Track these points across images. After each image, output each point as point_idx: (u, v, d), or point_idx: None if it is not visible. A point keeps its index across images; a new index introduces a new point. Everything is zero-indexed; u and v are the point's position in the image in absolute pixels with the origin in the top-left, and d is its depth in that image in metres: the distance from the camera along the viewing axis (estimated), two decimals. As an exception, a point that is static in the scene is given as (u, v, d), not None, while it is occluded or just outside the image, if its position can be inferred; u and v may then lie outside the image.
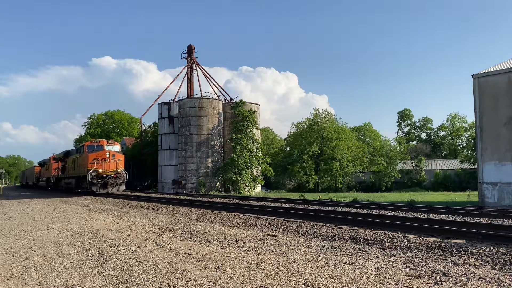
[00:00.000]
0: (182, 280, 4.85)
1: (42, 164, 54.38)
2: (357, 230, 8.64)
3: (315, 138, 53.43)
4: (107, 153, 28.88)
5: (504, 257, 5.69)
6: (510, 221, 9.85)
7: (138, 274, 5.18)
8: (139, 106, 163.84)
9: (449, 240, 7.17)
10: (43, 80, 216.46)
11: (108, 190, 28.33)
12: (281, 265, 5.52)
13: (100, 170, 28.05)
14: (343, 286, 4.48)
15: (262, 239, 7.75)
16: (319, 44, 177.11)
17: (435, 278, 4.72)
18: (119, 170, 28.95)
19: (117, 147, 30.59)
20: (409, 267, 5.30)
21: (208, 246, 7.13)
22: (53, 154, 47.89)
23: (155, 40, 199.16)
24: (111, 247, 7.20)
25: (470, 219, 10.39)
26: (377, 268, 5.28)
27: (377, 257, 5.97)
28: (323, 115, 55.52)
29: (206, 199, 22.58)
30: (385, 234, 7.96)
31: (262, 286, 4.57)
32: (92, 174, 27.81)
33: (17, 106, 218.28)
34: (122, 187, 29.28)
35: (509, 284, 4.46)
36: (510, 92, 17.97)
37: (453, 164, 61.05)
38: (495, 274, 4.88)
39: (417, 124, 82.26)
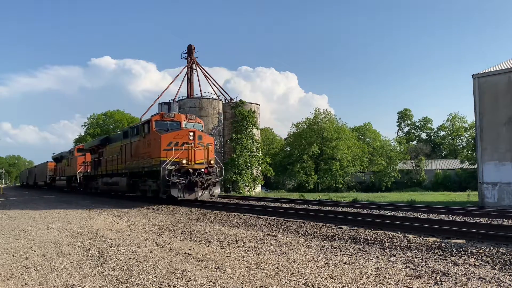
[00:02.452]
0: (182, 280, 4.85)
1: (58, 158, 43.27)
2: (357, 230, 8.64)
3: (315, 138, 53.44)
4: (191, 134, 17.20)
5: (504, 257, 5.69)
6: (510, 221, 9.85)
7: (138, 274, 5.18)
8: (138, 106, 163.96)
9: (449, 240, 7.17)
10: (42, 80, 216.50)
11: (196, 194, 16.82)
12: (281, 265, 5.52)
13: (184, 162, 16.73)
14: (343, 286, 4.48)
15: (262, 239, 7.75)
16: (319, 44, 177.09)
17: (435, 278, 4.72)
18: (211, 162, 17.56)
19: (199, 125, 19.35)
20: (409, 267, 5.30)
21: (208, 246, 7.13)
22: (80, 144, 39.48)
23: (155, 40, 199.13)
24: (111, 247, 7.20)
25: (470, 219, 10.39)
26: (377, 268, 5.28)
27: (377, 257, 5.97)
28: (324, 115, 55.53)
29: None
30: (385, 234, 7.96)
31: (262, 286, 4.57)
32: (169, 167, 16.32)
33: (17, 106, 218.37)
34: (217, 190, 17.79)
35: (509, 284, 4.46)
36: (510, 92, 17.97)
37: (453, 164, 61.08)
38: (495, 274, 4.88)
39: (417, 124, 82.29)
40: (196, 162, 17.20)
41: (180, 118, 18.47)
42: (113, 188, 23.67)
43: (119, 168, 22.14)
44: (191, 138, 17.26)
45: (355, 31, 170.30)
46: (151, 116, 19.13)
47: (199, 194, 16.90)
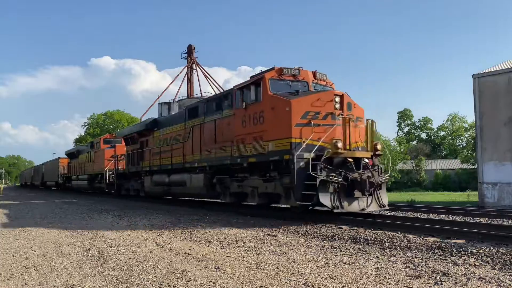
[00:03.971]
0: (182, 280, 4.85)
1: (74, 153, 36.18)
2: (357, 230, 8.64)
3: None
4: (336, 100, 10.56)
5: (504, 257, 5.70)
6: (510, 221, 9.86)
7: (138, 274, 5.18)
8: (138, 106, 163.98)
9: (449, 240, 7.17)
10: (42, 80, 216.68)
11: (361, 203, 10.06)
12: (281, 265, 5.52)
13: (339, 145, 10.03)
14: (343, 286, 4.48)
15: (262, 239, 7.75)
16: (319, 43, 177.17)
17: (435, 278, 4.72)
18: (378, 146, 10.99)
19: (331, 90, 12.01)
20: (409, 267, 5.30)
21: (208, 246, 7.13)
22: (107, 134, 32.71)
23: (154, 40, 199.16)
24: (111, 247, 7.21)
25: (470, 219, 10.39)
26: (377, 268, 5.28)
27: (377, 257, 5.97)
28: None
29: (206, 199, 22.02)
30: (385, 234, 7.96)
31: (262, 286, 4.57)
32: (307, 155, 9.68)
33: (16, 106, 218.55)
34: (385, 196, 10.70)
35: (509, 284, 4.46)
36: (510, 92, 17.97)
37: (453, 164, 61.09)
38: (495, 274, 4.88)
39: (417, 124, 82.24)
40: (356, 145, 10.58)
41: (307, 77, 11.47)
42: (173, 190, 16.93)
43: (187, 160, 15.28)
44: (338, 107, 10.45)
45: (355, 31, 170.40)
46: (260, 72, 11.79)
47: (366, 202, 10.03)
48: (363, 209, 10.11)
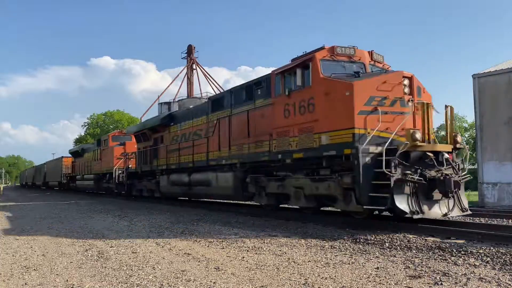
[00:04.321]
0: (182, 280, 4.85)
1: (78, 152, 34.51)
2: (357, 230, 8.63)
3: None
4: (405, 83, 8.93)
5: (504, 257, 5.69)
6: (510, 221, 9.85)
7: (138, 274, 5.18)
8: (138, 106, 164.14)
9: (449, 240, 7.16)
10: (42, 80, 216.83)
11: (442, 207, 8.37)
12: (281, 265, 5.52)
13: (417, 136, 8.31)
14: (343, 286, 4.48)
15: (262, 239, 7.75)
16: (318, 43, 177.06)
17: (435, 278, 4.72)
18: (458, 138, 9.31)
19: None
20: (409, 267, 5.30)
21: (208, 246, 7.13)
22: (116, 131, 30.23)
23: (154, 40, 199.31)
24: (111, 247, 7.20)
25: (470, 219, 10.38)
26: (377, 268, 5.28)
27: (377, 257, 5.97)
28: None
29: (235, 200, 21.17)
30: (385, 234, 7.95)
31: (262, 286, 4.57)
32: (374, 149, 8.24)
33: (16, 106, 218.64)
34: (464, 198, 9.00)
35: (509, 284, 4.46)
36: (510, 92, 17.97)
37: (453, 164, 60.86)
38: (495, 274, 4.88)
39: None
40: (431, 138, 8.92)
41: (363, 57, 9.95)
42: (195, 191, 15.21)
43: (212, 157, 13.77)
44: (407, 91, 8.93)
45: (355, 30, 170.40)
46: (306, 53, 10.09)
47: (447, 205, 8.43)
48: (445, 214, 8.42)
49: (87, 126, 75.84)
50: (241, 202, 14.61)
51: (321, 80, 9.38)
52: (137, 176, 21.19)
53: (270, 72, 11.23)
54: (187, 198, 18.22)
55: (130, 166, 22.19)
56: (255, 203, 13.39)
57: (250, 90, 12.21)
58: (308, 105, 9.68)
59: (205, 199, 17.04)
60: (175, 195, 17.97)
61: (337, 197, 9.21)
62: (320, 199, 10.12)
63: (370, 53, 10.22)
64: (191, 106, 17.74)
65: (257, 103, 11.72)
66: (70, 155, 39.25)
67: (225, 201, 16.17)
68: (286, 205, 11.86)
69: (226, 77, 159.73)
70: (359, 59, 9.96)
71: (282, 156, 10.51)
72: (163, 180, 17.73)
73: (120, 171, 22.98)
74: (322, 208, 11.08)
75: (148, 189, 19.97)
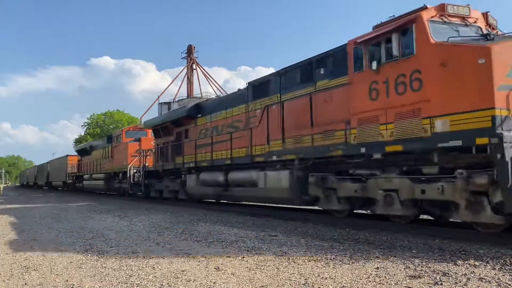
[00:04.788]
0: (182, 280, 4.85)
1: (86, 150, 32.68)
2: (357, 230, 8.63)
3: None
4: None
5: (504, 257, 5.69)
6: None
7: (138, 274, 5.18)
8: (138, 106, 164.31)
9: (449, 240, 7.16)
10: (42, 80, 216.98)
11: None
12: (281, 265, 5.52)
13: None
14: (343, 286, 4.48)
15: (262, 239, 7.75)
16: (318, 42, 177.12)
17: (435, 278, 4.72)
18: None
19: None
20: (409, 267, 5.30)
21: (208, 246, 7.13)
22: (130, 126, 27.85)
23: (154, 40, 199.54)
24: (111, 247, 7.20)
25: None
26: (377, 268, 5.28)
27: (377, 257, 5.97)
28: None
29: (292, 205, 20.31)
30: (385, 234, 7.95)
31: (262, 286, 4.57)
32: None
33: (16, 106, 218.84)
34: None
35: (509, 284, 4.46)
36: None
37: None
38: (495, 274, 4.88)
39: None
40: None
41: (480, 20, 8.14)
42: (234, 192, 13.08)
43: (259, 151, 11.76)
44: None
45: (356, 30, 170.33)
46: (406, 13, 8.18)
47: None
48: None
49: (87, 126, 75.85)
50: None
51: (432, 46, 7.37)
52: (156, 175, 18.94)
53: (331, 49, 9.40)
54: (221, 201, 15.46)
55: (147, 164, 20.00)
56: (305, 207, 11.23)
57: (308, 69, 10.26)
58: (411, 81, 7.58)
59: (248, 202, 14.21)
60: (206, 197, 15.80)
61: (459, 204, 7.08)
62: (422, 206, 8.07)
63: (485, 15, 8.19)
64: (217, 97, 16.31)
65: (319, 84, 9.81)
66: (75, 154, 37.73)
67: (280, 205, 13.47)
68: (363, 211, 10.05)
69: (226, 77, 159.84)
70: (475, 22, 7.95)
71: (367, 150, 8.40)
72: (190, 179, 15.60)
73: (135, 170, 20.88)
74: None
75: (171, 190, 17.81)
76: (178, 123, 17.15)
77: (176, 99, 45.99)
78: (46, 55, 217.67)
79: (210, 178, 14.22)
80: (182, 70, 47.74)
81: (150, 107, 65.70)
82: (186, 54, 47.55)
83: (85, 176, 32.05)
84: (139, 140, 22.65)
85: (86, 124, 76.74)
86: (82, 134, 76.15)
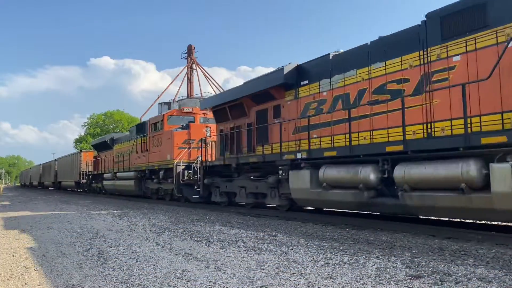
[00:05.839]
0: (183, 280, 4.85)
1: (106, 144, 27.34)
2: (357, 230, 8.64)
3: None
4: None
5: (504, 257, 5.70)
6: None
7: (138, 274, 5.18)
8: (137, 106, 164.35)
9: (449, 240, 7.16)
10: (41, 80, 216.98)
11: None
12: (281, 265, 5.53)
13: None
14: (343, 286, 4.49)
15: (262, 239, 7.75)
16: (318, 42, 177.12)
17: (435, 278, 4.73)
18: None
19: None
20: (409, 267, 5.30)
21: (208, 246, 7.13)
22: (173, 109, 21.79)
23: (154, 40, 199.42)
24: (111, 247, 7.21)
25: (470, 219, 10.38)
26: (377, 268, 5.29)
27: (377, 257, 5.97)
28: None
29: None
30: (385, 234, 7.96)
31: (262, 286, 4.57)
32: None
33: (16, 106, 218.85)
34: None
35: (510, 285, 4.46)
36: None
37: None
38: (495, 274, 4.89)
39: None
40: None
41: None
42: (415, 201, 7.81)
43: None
44: None
45: (356, 29, 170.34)
46: None
47: None
48: None
49: (87, 126, 75.94)
50: (242, 202, 12.95)
51: None
52: (218, 173, 14.48)
53: None
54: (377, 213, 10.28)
55: (204, 158, 15.25)
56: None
57: None
58: None
59: (437, 218, 9.45)
60: (331, 205, 10.35)
61: None
62: None
63: None
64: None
65: None
66: (90, 149, 33.97)
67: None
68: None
69: (225, 77, 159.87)
70: None
71: None
72: (298, 178, 10.32)
73: (183, 166, 16.45)
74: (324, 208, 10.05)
75: (251, 192, 12.80)
76: (260, 98, 12.46)
77: (176, 99, 46.10)
78: (46, 55, 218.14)
79: (345, 176, 9.11)
80: (182, 70, 47.84)
81: (150, 107, 65.63)
82: (186, 54, 47.63)
83: (106, 175, 26.76)
84: (187, 127, 17.73)
85: (86, 124, 76.88)
86: (82, 134, 76.24)
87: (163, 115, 19.32)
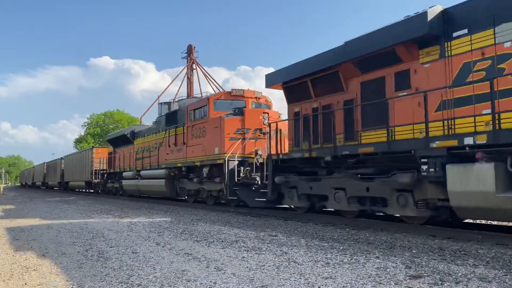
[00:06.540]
0: (183, 280, 4.85)
1: (126, 138, 23.78)
2: (357, 230, 8.63)
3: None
4: None
5: (504, 257, 5.70)
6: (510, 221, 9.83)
7: (138, 274, 5.18)
8: (138, 106, 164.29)
9: (449, 240, 7.16)
10: (41, 80, 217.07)
11: None
12: (281, 265, 5.52)
13: None
14: (343, 286, 4.48)
15: (262, 239, 7.75)
16: (318, 42, 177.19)
17: (435, 278, 4.72)
18: None
19: None
20: (409, 267, 5.30)
21: (208, 246, 7.13)
22: (222, 92, 16.30)
23: (154, 40, 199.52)
24: (111, 247, 7.20)
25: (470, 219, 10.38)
26: (377, 268, 5.28)
27: (377, 257, 5.97)
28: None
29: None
30: (386, 234, 7.95)
31: (262, 286, 4.57)
32: None
33: (16, 106, 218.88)
34: None
35: (510, 284, 4.46)
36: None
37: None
38: (495, 274, 4.88)
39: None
40: None
41: None
42: None
43: None
44: None
45: (356, 29, 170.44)
46: None
47: None
48: None
49: (87, 126, 75.92)
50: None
51: None
52: (292, 169, 11.15)
53: None
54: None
55: (259, 151, 13.29)
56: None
57: None
58: None
59: None
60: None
61: None
62: None
63: None
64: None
65: None
66: (102, 146, 31.08)
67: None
68: None
69: (225, 77, 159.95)
70: None
71: None
72: (471, 175, 6.72)
73: (237, 161, 13.40)
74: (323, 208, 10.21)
75: (358, 196, 9.32)
76: (374, 63, 9.02)
77: (176, 99, 46.07)
78: (46, 55, 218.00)
79: None
80: (182, 70, 47.82)
81: (150, 107, 65.61)
82: (186, 54, 47.61)
83: (125, 174, 22.85)
84: (240, 113, 14.29)
85: (86, 124, 76.85)
86: (82, 134, 76.22)
87: (208, 98, 15.41)
